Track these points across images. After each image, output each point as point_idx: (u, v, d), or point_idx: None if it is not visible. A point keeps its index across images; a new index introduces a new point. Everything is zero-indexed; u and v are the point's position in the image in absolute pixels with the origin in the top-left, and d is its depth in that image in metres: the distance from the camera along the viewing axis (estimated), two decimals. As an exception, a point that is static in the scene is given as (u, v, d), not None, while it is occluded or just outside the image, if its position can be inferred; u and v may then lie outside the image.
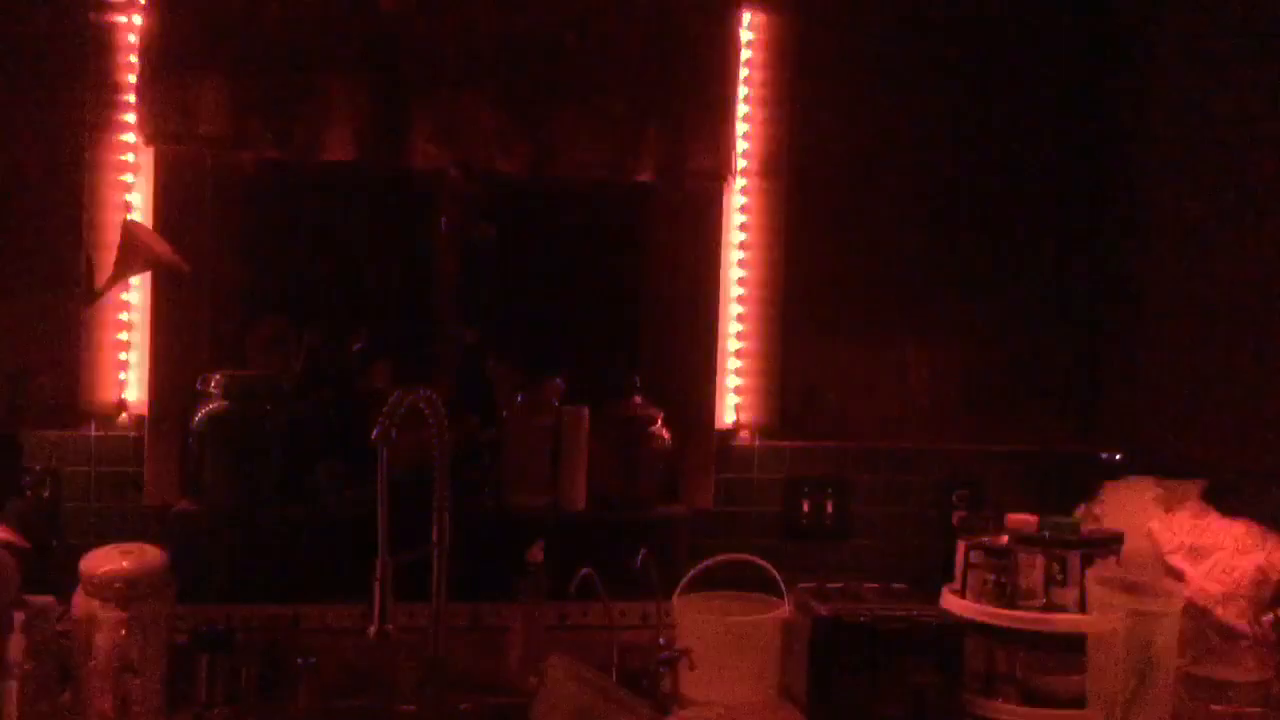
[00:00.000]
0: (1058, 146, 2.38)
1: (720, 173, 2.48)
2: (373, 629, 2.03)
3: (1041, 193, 2.37)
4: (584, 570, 2.23)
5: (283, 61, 2.29)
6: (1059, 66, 2.42)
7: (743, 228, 2.55)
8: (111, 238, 2.19)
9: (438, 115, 2.36)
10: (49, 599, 2.15)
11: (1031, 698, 2.22)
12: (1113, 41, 2.48)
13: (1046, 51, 2.43)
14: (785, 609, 2.39)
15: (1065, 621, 2.21)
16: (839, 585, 2.45)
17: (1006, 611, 2.24)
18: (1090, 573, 2.19)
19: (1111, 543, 2.28)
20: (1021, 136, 2.35)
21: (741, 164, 2.52)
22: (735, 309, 2.56)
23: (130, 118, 2.30)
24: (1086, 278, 2.38)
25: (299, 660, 2.23)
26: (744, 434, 2.57)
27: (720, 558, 2.48)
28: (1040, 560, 2.25)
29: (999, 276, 2.34)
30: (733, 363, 2.56)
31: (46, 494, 2.30)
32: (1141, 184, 2.39)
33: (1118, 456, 2.54)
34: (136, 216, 2.31)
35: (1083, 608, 2.20)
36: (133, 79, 2.28)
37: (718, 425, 2.56)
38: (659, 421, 2.48)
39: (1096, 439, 2.45)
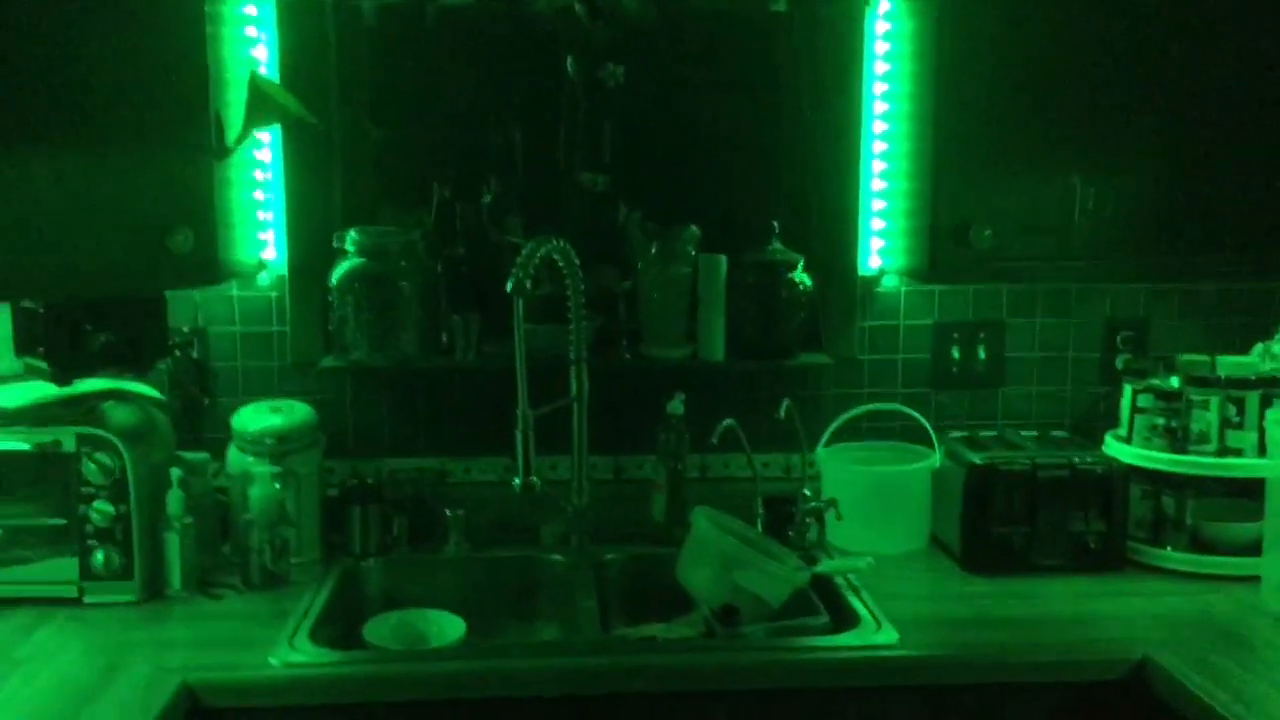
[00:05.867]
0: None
1: (862, -6, 2.32)
2: (517, 481, 2.04)
3: (1225, 16, 2.13)
4: (726, 421, 2.19)
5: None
6: None
7: (886, 56, 2.39)
8: (239, 95, 2.17)
9: (559, -51, 2.27)
10: (204, 455, 2.22)
11: (1202, 545, 2.13)
12: None
13: None
14: (936, 459, 2.31)
15: (1243, 466, 2.09)
16: (993, 434, 2.36)
17: (1178, 456, 2.13)
18: (1270, 414, 2.05)
19: (1293, 383, 2.14)
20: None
21: (884, -14, 2.36)
22: (878, 145, 2.42)
23: (249, -33, 2.26)
24: (1268, 100, 2.15)
25: (446, 511, 2.26)
26: (889, 278, 2.46)
27: (866, 407, 2.40)
28: (1215, 402, 2.12)
29: (1173, 99, 2.13)
30: (876, 202, 2.43)
31: (195, 354, 2.34)
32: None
33: (1300, 291, 2.36)
34: (262, 71, 2.29)
35: (1262, 451, 2.07)
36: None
37: (861, 269, 2.45)
38: (799, 267, 2.38)
39: (1275, 273, 2.26)
